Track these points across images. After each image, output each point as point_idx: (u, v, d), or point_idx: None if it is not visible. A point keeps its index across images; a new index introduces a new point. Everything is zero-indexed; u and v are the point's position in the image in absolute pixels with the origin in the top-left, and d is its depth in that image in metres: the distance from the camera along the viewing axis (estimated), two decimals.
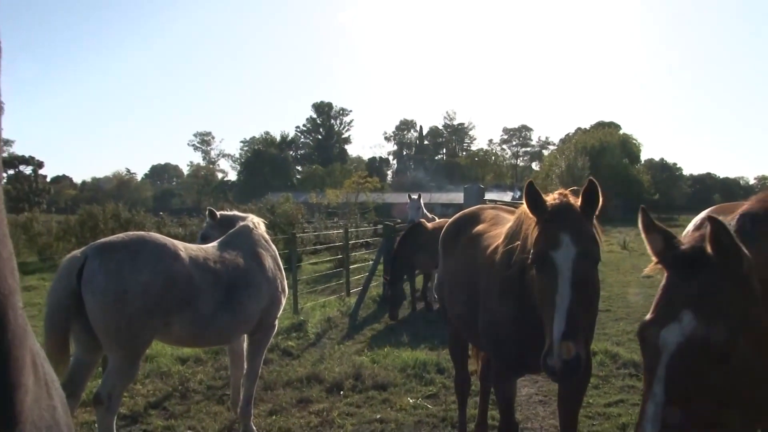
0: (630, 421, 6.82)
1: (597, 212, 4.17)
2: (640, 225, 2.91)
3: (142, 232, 5.95)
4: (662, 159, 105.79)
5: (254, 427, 6.70)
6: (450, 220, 6.72)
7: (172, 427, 6.87)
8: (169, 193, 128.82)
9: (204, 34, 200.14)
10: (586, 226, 4.04)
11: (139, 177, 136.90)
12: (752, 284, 2.45)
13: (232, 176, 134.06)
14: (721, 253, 2.46)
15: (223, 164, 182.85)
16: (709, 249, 2.49)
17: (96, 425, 5.71)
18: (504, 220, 5.44)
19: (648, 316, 2.63)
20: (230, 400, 7.35)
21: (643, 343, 2.61)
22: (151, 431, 6.80)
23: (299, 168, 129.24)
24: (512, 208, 5.76)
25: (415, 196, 18.08)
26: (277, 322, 6.99)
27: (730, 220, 2.77)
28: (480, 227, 5.61)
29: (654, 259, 2.82)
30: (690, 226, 4.15)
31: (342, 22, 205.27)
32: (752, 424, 2.56)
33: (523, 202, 4.27)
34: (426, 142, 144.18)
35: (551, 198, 4.22)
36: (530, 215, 4.25)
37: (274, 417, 7.20)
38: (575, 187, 4.47)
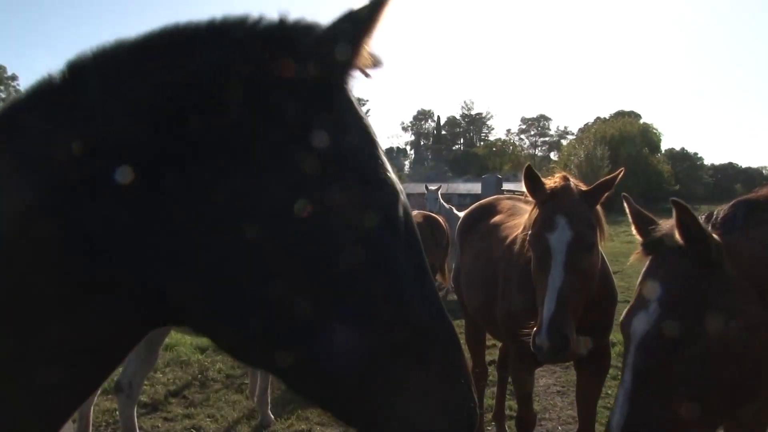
0: None
1: (599, 201, 4.19)
2: (629, 214, 2.92)
3: None
4: (683, 148, 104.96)
5: (272, 416, 6.75)
6: (466, 211, 6.71)
7: (192, 415, 6.94)
8: None
9: None
10: (584, 211, 4.05)
11: None
12: (724, 272, 2.40)
13: None
14: (687, 239, 2.44)
15: None
16: (677, 234, 2.47)
17: (117, 413, 5.78)
18: (521, 210, 5.43)
19: (628, 308, 2.64)
20: (248, 389, 7.41)
21: (622, 332, 2.64)
22: (171, 419, 6.86)
23: None
24: (530, 199, 5.76)
25: (433, 188, 18.00)
26: None
27: (725, 207, 2.74)
28: (497, 218, 5.60)
29: (640, 247, 2.82)
30: None
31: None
32: (727, 415, 2.52)
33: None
34: (443, 132, 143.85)
35: (552, 181, 4.24)
36: (530, 198, 4.31)
37: (292, 405, 7.24)
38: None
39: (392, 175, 1.48)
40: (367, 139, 1.47)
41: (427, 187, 18.16)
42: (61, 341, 1.35)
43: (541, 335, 3.77)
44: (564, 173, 4.38)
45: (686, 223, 2.41)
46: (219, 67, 1.36)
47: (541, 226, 4.04)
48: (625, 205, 2.97)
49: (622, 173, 4.33)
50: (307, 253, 1.32)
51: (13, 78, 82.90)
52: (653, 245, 2.65)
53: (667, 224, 2.68)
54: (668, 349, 2.37)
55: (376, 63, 1.51)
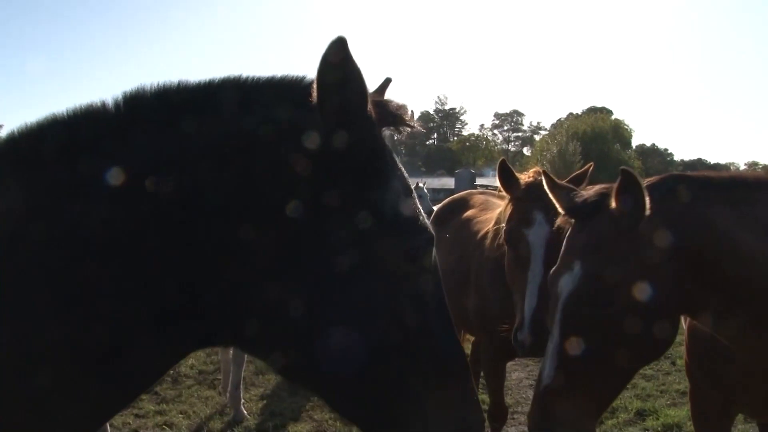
0: (619, 404, 6.88)
1: None
2: (544, 185, 3.16)
3: None
4: (653, 144, 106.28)
5: (245, 411, 6.72)
6: (439, 205, 6.73)
7: (164, 412, 6.88)
8: None
9: (196, 26, 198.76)
10: None
11: None
12: (648, 237, 2.56)
13: None
14: (624, 206, 2.58)
15: None
16: (613, 200, 2.62)
17: None
18: (493, 205, 5.45)
19: (554, 267, 2.83)
20: (221, 385, 7.37)
21: (549, 291, 2.84)
22: (142, 416, 6.81)
23: None
24: (502, 194, 5.78)
25: (421, 184, 17.95)
26: None
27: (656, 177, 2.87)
28: (469, 213, 5.62)
29: (561, 213, 2.99)
30: None
31: (332, 5, 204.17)
32: (636, 362, 2.76)
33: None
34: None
35: (526, 176, 4.25)
36: (504, 192, 4.29)
37: (265, 401, 7.22)
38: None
39: (425, 219, 1.68)
40: (407, 188, 1.68)
41: (417, 184, 17.97)
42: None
43: (524, 331, 3.76)
44: (537, 168, 4.39)
45: (632, 192, 2.54)
46: (271, 126, 1.52)
47: (518, 222, 4.02)
48: (543, 178, 3.19)
49: (591, 167, 4.37)
50: (360, 292, 1.52)
51: None
52: (577, 210, 2.81)
53: (592, 191, 2.84)
54: (589, 306, 2.58)
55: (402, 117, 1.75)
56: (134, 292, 1.45)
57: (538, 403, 2.69)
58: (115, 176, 1.43)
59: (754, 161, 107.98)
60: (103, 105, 1.54)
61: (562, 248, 2.84)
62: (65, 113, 1.55)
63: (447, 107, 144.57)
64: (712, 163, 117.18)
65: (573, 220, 2.86)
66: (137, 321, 1.47)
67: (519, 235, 3.98)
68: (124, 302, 1.44)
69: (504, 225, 4.37)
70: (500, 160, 4.48)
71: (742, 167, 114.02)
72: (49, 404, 1.40)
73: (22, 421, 1.39)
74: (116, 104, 1.55)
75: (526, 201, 4.06)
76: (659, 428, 6.30)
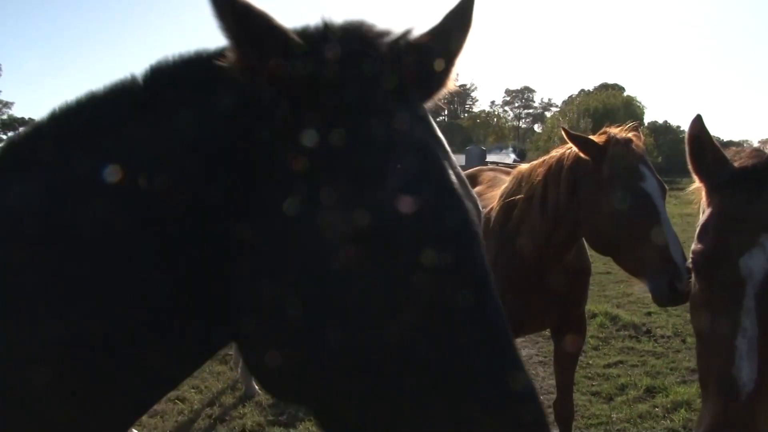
0: (629, 381, 6.89)
1: None
2: (688, 133, 2.66)
3: None
4: (666, 121, 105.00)
5: (256, 386, 6.77)
6: None
7: (176, 387, 6.94)
8: None
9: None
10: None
11: None
12: None
13: None
14: None
15: None
16: None
17: None
18: (501, 182, 5.40)
19: (702, 246, 2.39)
20: (233, 360, 7.42)
21: (710, 275, 2.36)
22: None
23: None
24: (510, 170, 5.73)
25: None
26: None
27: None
28: (477, 189, 5.59)
29: (697, 177, 2.61)
30: None
31: None
32: None
33: (571, 146, 4.17)
34: None
35: (602, 137, 4.16)
36: (585, 154, 4.11)
37: None
38: (634, 122, 4.45)
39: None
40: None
41: None
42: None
43: (683, 279, 3.68)
44: (605, 129, 4.28)
45: None
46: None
47: (631, 177, 3.94)
48: (692, 123, 2.67)
49: (637, 123, 4.36)
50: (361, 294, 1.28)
51: None
52: (745, 175, 2.39)
53: (747, 154, 2.55)
54: None
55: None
56: (130, 288, 1.41)
57: (737, 415, 2.10)
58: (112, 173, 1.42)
59: (767, 139, 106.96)
60: (134, 78, 1.53)
61: (715, 224, 2.39)
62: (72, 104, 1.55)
63: (457, 83, 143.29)
64: (725, 140, 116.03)
65: (728, 188, 2.42)
66: (135, 318, 1.43)
67: (637, 187, 3.90)
68: (121, 299, 1.40)
69: (517, 197, 4.34)
70: (562, 128, 4.35)
71: (756, 144, 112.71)
72: (46, 405, 1.37)
73: (20, 422, 1.37)
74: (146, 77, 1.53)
75: (628, 156, 3.99)
76: (668, 405, 6.30)
